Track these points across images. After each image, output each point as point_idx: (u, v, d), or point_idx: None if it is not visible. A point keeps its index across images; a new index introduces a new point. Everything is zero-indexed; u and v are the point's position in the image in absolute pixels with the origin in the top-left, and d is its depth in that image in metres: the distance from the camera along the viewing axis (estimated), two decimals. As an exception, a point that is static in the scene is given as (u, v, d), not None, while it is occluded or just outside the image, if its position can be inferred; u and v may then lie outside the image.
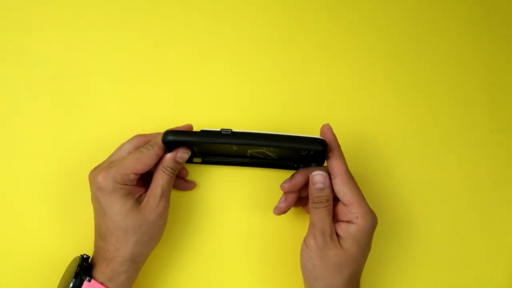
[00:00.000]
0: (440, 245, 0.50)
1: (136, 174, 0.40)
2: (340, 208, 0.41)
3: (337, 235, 0.40)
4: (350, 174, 0.41)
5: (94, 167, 0.42)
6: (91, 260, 0.41)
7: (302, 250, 0.40)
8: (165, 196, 0.41)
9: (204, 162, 0.46)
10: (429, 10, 0.51)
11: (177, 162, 0.41)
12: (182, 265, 0.47)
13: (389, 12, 0.50)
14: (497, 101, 0.51)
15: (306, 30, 0.49)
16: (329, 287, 0.39)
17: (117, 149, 0.43)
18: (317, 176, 0.40)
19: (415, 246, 0.50)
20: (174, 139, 0.39)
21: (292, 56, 0.49)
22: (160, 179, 0.41)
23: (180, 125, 0.45)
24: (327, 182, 0.40)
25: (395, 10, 0.50)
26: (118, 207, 0.39)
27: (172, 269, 0.47)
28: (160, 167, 0.41)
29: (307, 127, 0.49)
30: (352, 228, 0.39)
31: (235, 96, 0.48)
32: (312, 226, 0.40)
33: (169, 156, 0.41)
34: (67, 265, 0.41)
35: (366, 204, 0.40)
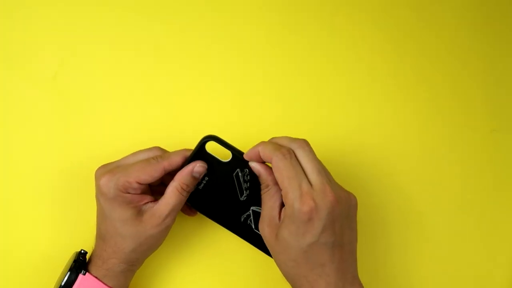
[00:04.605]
0: (440, 245, 0.50)
1: (139, 183, 0.38)
2: None
3: (280, 220, 0.37)
4: (283, 153, 0.36)
5: (102, 164, 0.41)
6: (90, 256, 0.41)
7: None
8: (173, 215, 0.39)
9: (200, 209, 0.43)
10: (429, 9, 0.51)
11: (193, 177, 0.39)
12: (182, 266, 0.47)
13: (388, 12, 0.50)
14: (497, 101, 0.51)
15: (305, 30, 0.49)
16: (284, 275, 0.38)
17: (131, 154, 0.41)
18: (252, 164, 0.39)
19: (414, 246, 0.50)
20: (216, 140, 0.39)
21: (291, 55, 0.49)
22: (172, 198, 0.39)
23: (180, 127, 0.45)
24: (259, 169, 0.38)
25: (394, 10, 0.50)
26: (117, 215, 0.38)
27: (172, 269, 0.47)
28: (174, 184, 0.39)
29: (307, 127, 0.49)
30: (285, 210, 0.36)
31: (235, 100, 0.48)
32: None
33: (185, 170, 0.39)
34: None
35: (295, 186, 0.35)
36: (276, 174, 0.36)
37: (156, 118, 0.47)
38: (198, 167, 0.39)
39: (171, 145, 0.46)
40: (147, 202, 0.39)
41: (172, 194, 0.39)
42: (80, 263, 0.39)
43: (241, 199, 0.41)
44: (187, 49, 0.48)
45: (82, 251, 0.41)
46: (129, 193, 0.38)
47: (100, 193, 0.39)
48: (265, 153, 0.37)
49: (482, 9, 0.51)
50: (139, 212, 0.39)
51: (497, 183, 0.51)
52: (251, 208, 0.41)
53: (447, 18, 0.51)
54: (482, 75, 0.51)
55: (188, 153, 0.40)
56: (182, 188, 0.39)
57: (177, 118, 0.47)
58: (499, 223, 0.51)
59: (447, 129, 0.51)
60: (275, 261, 0.38)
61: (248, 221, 0.41)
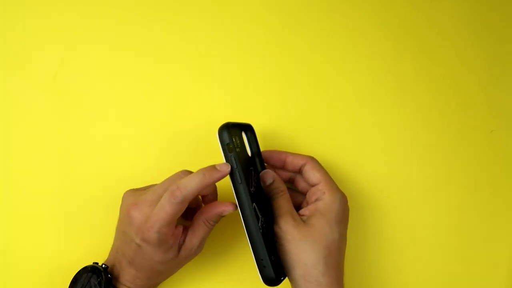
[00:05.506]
0: (440, 245, 0.50)
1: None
2: (310, 191, 0.43)
3: (305, 216, 0.41)
4: (317, 161, 0.43)
5: (131, 189, 0.40)
6: (114, 274, 0.40)
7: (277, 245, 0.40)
8: (203, 243, 0.41)
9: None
10: (429, 8, 0.51)
11: (221, 216, 0.40)
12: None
13: (389, 10, 0.50)
14: (497, 101, 0.51)
15: (305, 30, 0.49)
16: (304, 271, 0.38)
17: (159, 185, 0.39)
18: (265, 174, 0.42)
19: (414, 246, 0.50)
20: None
21: (291, 55, 0.49)
22: (201, 231, 0.40)
23: (181, 127, 0.45)
24: (275, 176, 0.42)
25: (395, 8, 0.50)
26: (160, 259, 0.38)
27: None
28: (202, 219, 0.40)
29: (307, 127, 0.49)
30: (319, 204, 0.41)
31: (235, 100, 0.48)
32: (274, 216, 0.40)
33: (215, 210, 0.39)
34: (74, 273, 0.40)
35: (334, 183, 0.42)
36: (313, 171, 0.42)
37: (156, 118, 0.47)
38: (228, 206, 0.39)
39: (171, 145, 0.46)
40: (181, 238, 0.39)
41: (200, 227, 0.40)
42: (109, 281, 0.39)
43: (251, 190, 0.39)
44: (187, 49, 0.48)
45: (104, 266, 0.40)
46: (173, 234, 0.38)
47: (141, 239, 0.37)
48: (296, 157, 0.43)
49: (482, 8, 0.51)
50: (178, 251, 0.39)
51: (497, 183, 0.51)
52: (254, 204, 0.39)
53: (448, 17, 0.51)
54: (483, 75, 0.51)
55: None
56: (209, 222, 0.40)
57: (177, 118, 0.47)
58: (498, 223, 0.51)
59: (447, 128, 0.51)
60: (304, 250, 0.38)
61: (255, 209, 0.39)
